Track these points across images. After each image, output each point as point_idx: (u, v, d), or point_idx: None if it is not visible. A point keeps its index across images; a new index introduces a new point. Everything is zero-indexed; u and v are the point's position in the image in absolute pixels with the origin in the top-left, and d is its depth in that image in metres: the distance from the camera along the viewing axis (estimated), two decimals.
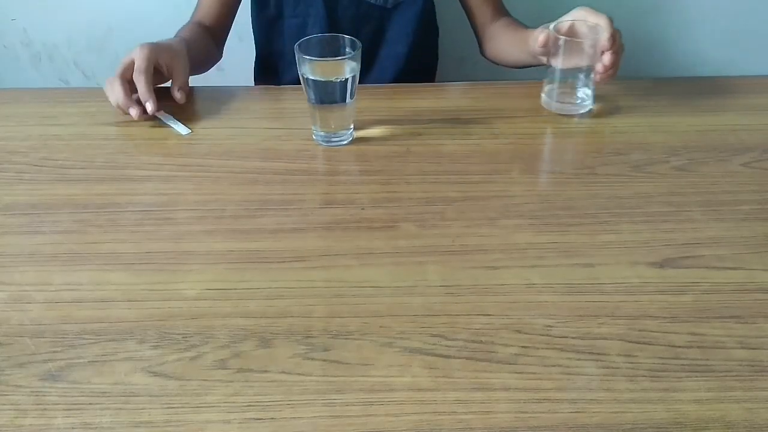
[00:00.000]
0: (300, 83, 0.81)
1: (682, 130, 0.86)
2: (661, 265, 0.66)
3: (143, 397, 0.53)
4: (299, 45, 0.79)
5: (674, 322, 0.59)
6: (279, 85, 1.09)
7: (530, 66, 0.97)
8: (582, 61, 0.85)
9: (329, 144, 0.84)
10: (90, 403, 0.53)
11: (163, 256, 0.67)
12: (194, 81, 0.94)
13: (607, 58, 0.83)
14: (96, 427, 0.51)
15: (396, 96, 0.94)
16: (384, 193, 0.75)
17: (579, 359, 0.56)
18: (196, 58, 0.95)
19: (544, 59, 0.89)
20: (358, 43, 0.79)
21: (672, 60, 1.42)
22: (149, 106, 0.85)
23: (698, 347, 0.57)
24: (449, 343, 0.58)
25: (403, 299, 0.62)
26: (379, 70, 1.08)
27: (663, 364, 0.56)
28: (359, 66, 0.79)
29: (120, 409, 0.52)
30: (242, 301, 0.62)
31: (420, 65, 1.11)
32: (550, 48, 0.85)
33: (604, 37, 0.82)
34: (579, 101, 0.89)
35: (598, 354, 0.57)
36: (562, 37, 0.84)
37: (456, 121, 0.88)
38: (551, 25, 0.86)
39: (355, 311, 0.61)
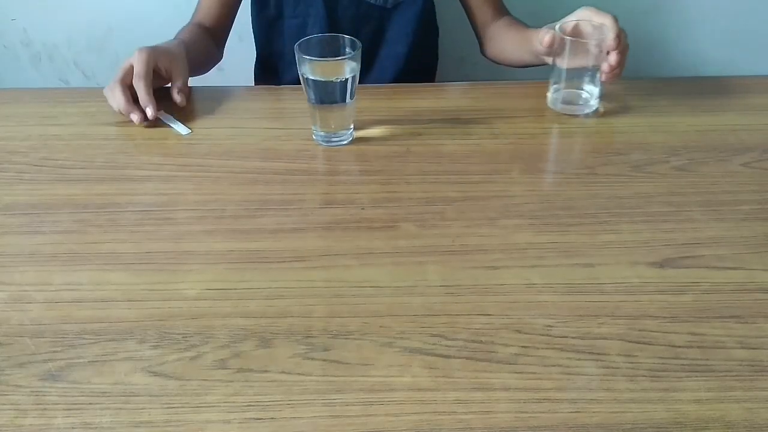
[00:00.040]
0: (300, 83, 0.81)
1: (682, 130, 0.86)
2: (661, 265, 0.66)
3: (143, 397, 0.53)
4: (299, 45, 0.79)
5: (674, 322, 0.59)
6: (279, 85, 1.09)
7: (532, 66, 0.97)
8: (587, 61, 0.85)
9: (329, 144, 0.84)
10: (90, 403, 0.53)
11: (163, 256, 0.67)
12: (194, 81, 0.94)
13: (613, 57, 0.83)
14: (96, 427, 0.51)
15: (396, 96, 0.94)
16: (384, 193, 0.75)
17: (579, 359, 0.56)
18: (196, 60, 0.96)
19: (548, 59, 0.89)
20: (358, 43, 0.79)
21: (672, 60, 1.42)
22: (149, 112, 0.85)
23: (698, 347, 0.57)
24: (449, 343, 0.58)
25: (403, 299, 0.62)
26: (379, 70, 1.08)
27: (663, 364, 0.56)
28: (359, 66, 0.79)
29: (120, 409, 0.52)
30: (242, 301, 0.62)
31: (420, 65, 1.11)
32: (555, 48, 0.85)
33: (610, 36, 0.82)
34: (585, 101, 0.89)
35: (598, 354, 0.57)
36: (568, 38, 0.84)
37: (456, 121, 0.88)
38: (557, 26, 0.86)
39: (355, 311, 0.61)
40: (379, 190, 0.76)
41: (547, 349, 0.57)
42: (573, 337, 0.58)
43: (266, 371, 0.55)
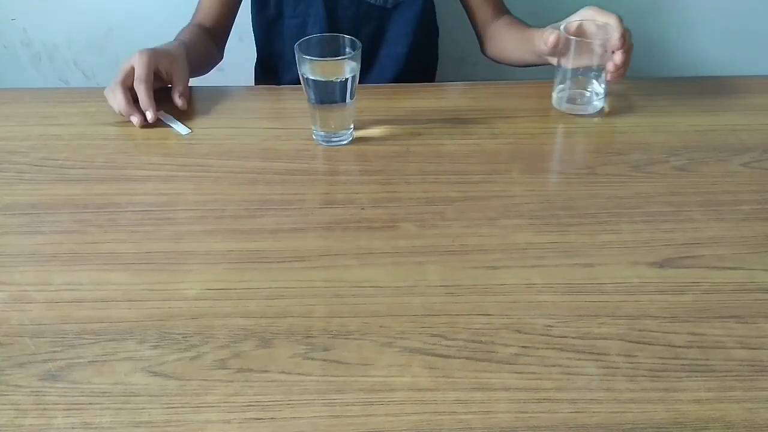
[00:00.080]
0: (300, 83, 0.81)
1: (682, 130, 0.86)
2: (661, 265, 0.66)
3: (143, 397, 0.53)
4: (299, 45, 0.79)
5: (674, 322, 0.59)
6: (279, 85, 1.08)
7: (533, 65, 0.97)
8: (591, 61, 0.85)
9: (329, 144, 0.84)
10: (90, 403, 0.53)
11: (163, 256, 0.67)
12: (194, 81, 0.94)
13: (618, 57, 0.83)
14: (96, 427, 0.51)
15: (396, 96, 0.94)
16: (384, 193, 0.75)
17: (579, 359, 0.56)
18: (196, 61, 0.96)
19: (551, 60, 0.89)
20: (358, 43, 0.79)
21: (672, 60, 1.42)
22: (149, 115, 0.85)
23: (698, 347, 0.57)
24: (449, 343, 0.58)
25: (403, 299, 0.62)
26: (379, 70, 1.08)
27: (663, 364, 0.56)
28: (359, 66, 0.79)
29: (120, 409, 0.52)
30: (242, 301, 0.62)
31: (420, 65, 1.11)
32: (560, 48, 0.85)
33: (615, 36, 0.82)
34: (590, 100, 0.89)
35: (598, 354, 0.57)
36: (573, 38, 0.84)
37: (456, 121, 0.88)
38: (561, 26, 0.85)
39: (355, 311, 0.61)
40: (379, 190, 0.76)
41: (547, 349, 0.57)
42: (573, 337, 0.58)
43: (266, 371, 0.55)
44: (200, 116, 0.90)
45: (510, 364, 0.56)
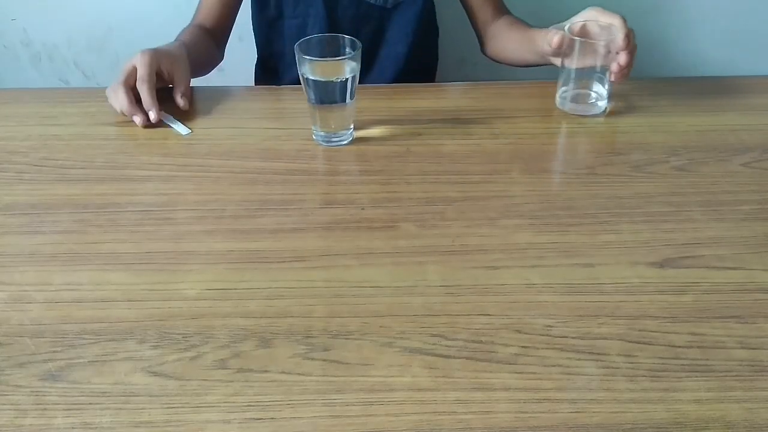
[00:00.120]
0: (300, 83, 0.81)
1: (682, 130, 0.86)
2: (661, 265, 0.66)
3: (143, 397, 0.53)
4: (299, 45, 0.79)
5: (674, 322, 0.59)
6: (279, 85, 1.09)
7: (534, 65, 0.97)
8: (595, 62, 0.85)
9: (329, 144, 0.84)
10: (90, 403, 0.53)
11: (163, 256, 0.67)
12: (194, 81, 0.94)
13: (623, 57, 0.83)
14: (96, 427, 0.51)
15: (396, 96, 0.94)
16: (384, 193, 0.75)
17: (579, 359, 0.56)
18: (197, 61, 0.96)
19: (554, 60, 0.89)
20: (358, 43, 0.79)
21: (672, 60, 1.42)
22: (152, 115, 0.85)
23: (698, 347, 0.57)
24: (449, 343, 0.58)
25: (403, 299, 0.62)
26: (379, 70, 1.08)
27: (663, 364, 0.56)
28: (359, 66, 0.79)
29: (120, 409, 0.52)
30: (242, 301, 0.62)
31: (420, 65, 1.11)
32: (563, 49, 0.85)
33: (619, 37, 0.82)
34: (594, 101, 0.89)
35: (598, 354, 0.57)
36: (577, 39, 0.84)
37: (456, 121, 0.88)
38: (566, 26, 0.85)
39: (355, 311, 0.61)
40: (379, 190, 0.76)
41: (547, 349, 0.57)
42: (573, 337, 0.58)
43: (266, 371, 0.55)
44: (200, 116, 0.90)
45: (510, 364, 0.56)
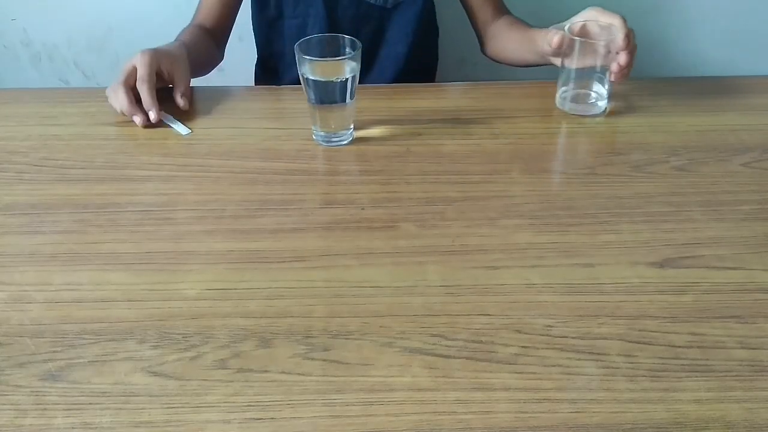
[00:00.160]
0: (300, 83, 0.81)
1: (682, 130, 0.86)
2: (661, 265, 0.66)
3: (143, 397, 0.53)
4: (299, 45, 0.79)
5: (674, 322, 0.59)
6: (279, 85, 1.09)
7: (534, 65, 0.97)
8: (595, 62, 0.85)
9: (329, 144, 0.84)
10: (90, 403, 0.53)
11: (163, 256, 0.67)
12: (194, 81, 0.94)
13: (623, 57, 0.83)
14: (96, 427, 0.51)
15: (396, 96, 0.94)
16: (384, 193, 0.75)
17: (579, 359, 0.56)
18: (197, 61, 0.96)
19: (554, 60, 0.89)
20: (358, 43, 0.79)
21: (672, 60, 1.42)
22: (152, 115, 0.85)
23: (698, 347, 0.57)
24: (449, 343, 0.58)
25: (403, 299, 0.62)
26: (379, 70, 1.08)
27: (663, 364, 0.56)
28: (359, 66, 0.79)
29: (120, 409, 0.52)
30: (242, 301, 0.62)
31: (420, 65, 1.11)
32: (564, 49, 0.85)
33: (619, 37, 0.82)
34: (594, 101, 0.89)
35: (598, 354, 0.57)
36: (577, 39, 0.84)
37: (456, 121, 0.88)
38: (566, 26, 0.85)
39: (355, 311, 0.61)
40: (379, 190, 0.76)
41: (547, 349, 0.57)
42: (573, 337, 0.58)
43: (266, 371, 0.55)
44: (200, 116, 0.90)
45: (510, 364, 0.56)
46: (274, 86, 1.07)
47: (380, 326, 0.59)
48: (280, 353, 0.57)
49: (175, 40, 0.97)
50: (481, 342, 0.58)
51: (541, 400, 0.53)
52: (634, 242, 0.68)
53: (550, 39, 0.85)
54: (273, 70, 1.12)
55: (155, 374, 0.55)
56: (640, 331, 0.59)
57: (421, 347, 0.57)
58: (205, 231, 0.70)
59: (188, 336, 0.58)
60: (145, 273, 0.65)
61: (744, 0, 1.36)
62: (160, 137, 0.86)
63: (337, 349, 0.57)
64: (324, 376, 0.55)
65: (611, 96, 0.89)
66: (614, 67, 0.84)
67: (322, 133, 0.83)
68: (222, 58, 1.10)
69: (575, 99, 0.89)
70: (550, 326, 0.59)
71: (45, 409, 0.53)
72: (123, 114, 0.86)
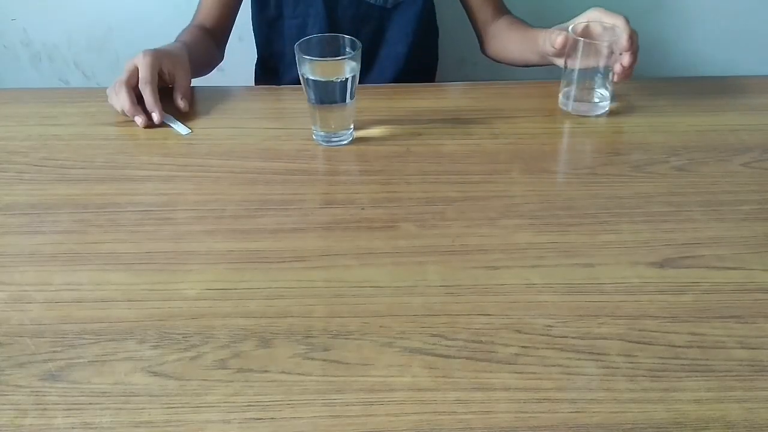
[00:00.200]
0: (300, 83, 0.81)
1: (682, 130, 0.86)
2: (661, 265, 0.66)
3: (143, 397, 0.53)
4: (299, 45, 0.79)
5: (674, 322, 0.59)
6: (279, 85, 1.09)
7: (535, 66, 0.97)
8: (598, 62, 0.85)
9: (329, 144, 0.84)
10: (90, 403, 0.53)
11: (163, 256, 0.67)
12: (194, 81, 0.94)
13: (626, 58, 0.83)
14: (96, 427, 0.51)
15: (396, 96, 0.94)
16: (384, 193, 0.75)
17: (579, 359, 0.56)
18: (198, 62, 0.96)
19: (556, 61, 0.89)
20: (358, 43, 0.79)
21: (672, 60, 1.42)
22: (155, 117, 0.86)
23: (698, 347, 0.57)
24: (449, 343, 0.58)
25: (403, 299, 0.62)
26: (379, 70, 1.08)
27: (663, 364, 0.56)
28: (359, 66, 0.79)
29: (120, 409, 0.52)
30: (242, 301, 0.62)
31: (420, 65, 1.11)
32: (567, 50, 0.85)
33: (623, 38, 0.82)
34: (596, 102, 0.89)
35: (598, 354, 0.57)
36: (581, 39, 0.84)
37: (456, 121, 0.88)
38: (570, 27, 0.85)
39: (355, 311, 0.61)
40: (379, 190, 0.76)
41: (547, 349, 0.57)
42: (573, 337, 0.58)
43: (266, 371, 0.55)
44: (200, 116, 0.90)
45: (510, 364, 0.56)
46: (274, 86, 1.07)
47: (380, 326, 0.59)
48: (280, 353, 0.57)
49: (176, 41, 0.97)
50: (481, 342, 0.58)
51: (541, 400, 0.53)
52: (634, 242, 0.68)
53: (553, 40, 0.85)
54: (273, 70, 1.12)
55: (155, 374, 0.55)
56: (640, 331, 0.59)
57: (421, 347, 0.57)
58: (205, 231, 0.70)
59: (188, 336, 0.58)
60: (145, 273, 0.65)
61: (744, 0, 1.36)
62: (160, 137, 0.86)
63: (337, 349, 0.57)
64: (324, 376, 0.55)
65: (613, 97, 0.89)
66: (617, 68, 0.84)
67: (322, 133, 0.83)
68: (222, 58, 1.10)
69: (578, 99, 0.88)
70: (550, 326, 0.59)
71: (45, 409, 0.53)
72: (124, 114, 0.86)
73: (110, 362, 0.56)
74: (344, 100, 0.80)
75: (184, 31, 1.02)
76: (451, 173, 0.78)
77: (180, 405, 0.53)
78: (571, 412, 0.52)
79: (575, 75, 0.87)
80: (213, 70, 1.08)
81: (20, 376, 0.55)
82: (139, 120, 0.85)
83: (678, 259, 0.66)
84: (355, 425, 0.51)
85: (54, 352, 0.57)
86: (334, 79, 0.78)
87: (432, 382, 0.54)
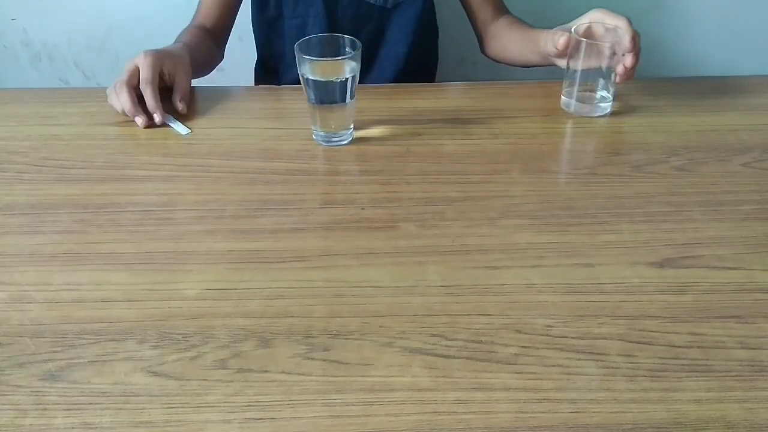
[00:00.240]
0: (300, 83, 0.81)
1: (682, 130, 0.86)
2: (661, 265, 0.66)
3: (143, 397, 0.53)
4: (299, 45, 0.79)
5: (674, 322, 0.59)
6: (279, 85, 1.09)
7: (536, 66, 0.97)
8: (600, 63, 0.85)
9: (329, 144, 0.84)
10: (90, 403, 0.53)
11: (163, 256, 0.67)
12: (194, 81, 0.94)
13: (628, 59, 0.83)
14: (96, 427, 0.51)
15: (396, 96, 0.94)
16: (384, 193, 0.75)
17: (579, 359, 0.56)
18: (198, 62, 0.96)
19: (558, 61, 0.89)
20: (358, 43, 0.79)
21: (672, 60, 1.42)
22: (157, 118, 0.86)
23: (698, 347, 0.57)
24: (449, 343, 0.58)
25: (403, 299, 0.62)
26: (379, 70, 1.08)
27: (663, 364, 0.56)
28: (359, 66, 0.79)
29: (120, 409, 0.52)
30: (242, 301, 0.62)
31: (420, 65, 1.11)
32: (569, 50, 0.85)
33: (626, 39, 0.81)
34: (598, 102, 0.89)
35: (598, 354, 0.57)
36: (583, 40, 0.84)
37: (456, 121, 0.88)
38: (572, 28, 0.85)
39: (355, 311, 0.61)
40: (379, 190, 0.76)
41: (547, 349, 0.57)
42: (573, 337, 0.58)
43: (266, 371, 0.55)
44: (200, 116, 0.90)
45: (510, 364, 0.56)
46: (274, 86, 1.07)
47: (380, 326, 0.59)
48: (280, 353, 0.57)
49: (176, 41, 0.97)
50: (481, 342, 0.58)
51: (541, 400, 0.53)
52: (634, 242, 0.68)
53: (556, 40, 0.85)
54: (273, 70, 1.12)
55: (155, 374, 0.55)
56: (640, 331, 0.59)
57: (421, 347, 0.57)
58: (205, 231, 0.70)
59: (188, 336, 0.58)
60: (145, 273, 0.65)
61: (744, 0, 1.36)
62: (160, 137, 0.86)
63: (337, 349, 0.57)
64: (324, 376, 0.55)
65: (615, 97, 0.89)
66: (620, 69, 0.84)
67: (322, 133, 0.83)
68: (222, 58, 1.10)
69: (580, 100, 0.88)
70: (550, 326, 0.59)
71: (45, 409, 0.53)
72: (124, 114, 0.86)
73: (110, 362, 0.56)
74: (344, 100, 0.80)
75: (184, 31, 1.02)
76: (451, 173, 0.78)
77: (180, 405, 0.53)
78: (571, 412, 0.52)
79: (577, 76, 0.87)
80: (213, 70, 1.08)
81: (20, 376, 0.55)
82: (140, 120, 0.85)
83: (678, 259, 0.66)
84: (355, 425, 0.51)
85: (54, 352, 0.57)
86: (334, 79, 0.78)
87: (432, 382, 0.54)
